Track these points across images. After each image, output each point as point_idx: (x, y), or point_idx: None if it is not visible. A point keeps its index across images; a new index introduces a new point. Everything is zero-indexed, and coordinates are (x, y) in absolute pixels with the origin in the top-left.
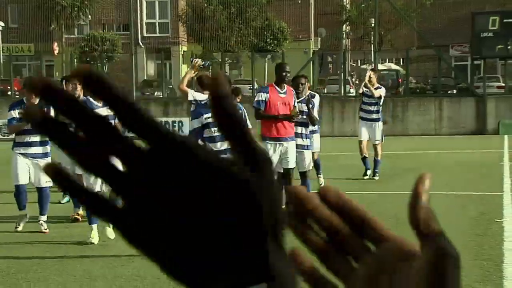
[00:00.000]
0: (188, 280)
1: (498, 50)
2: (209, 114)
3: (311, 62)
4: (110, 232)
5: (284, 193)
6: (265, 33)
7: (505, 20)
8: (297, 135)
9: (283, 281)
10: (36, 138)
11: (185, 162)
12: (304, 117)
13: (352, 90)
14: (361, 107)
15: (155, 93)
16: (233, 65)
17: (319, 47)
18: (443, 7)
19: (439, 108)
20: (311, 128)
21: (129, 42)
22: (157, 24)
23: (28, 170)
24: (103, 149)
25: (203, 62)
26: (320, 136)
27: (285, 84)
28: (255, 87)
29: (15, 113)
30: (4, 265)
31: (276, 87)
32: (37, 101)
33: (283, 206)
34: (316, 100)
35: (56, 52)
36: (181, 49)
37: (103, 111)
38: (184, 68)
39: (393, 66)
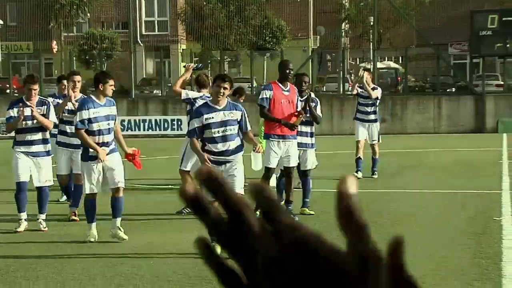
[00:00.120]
0: None
1: (497, 49)
2: (210, 115)
3: (310, 60)
4: (123, 234)
5: (285, 193)
6: (264, 31)
7: (504, 19)
8: (301, 133)
9: None
10: (38, 136)
11: (311, 266)
12: (308, 115)
13: (350, 88)
14: (358, 108)
15: (154, 91)
16: (232, 63)
17: (318, 45)
18: (442, 5)
19: (438, 107)
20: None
21: (128, 40)
22: (156, 22)
23: (29, 168)
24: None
25: (196, 65)
26: (319, 135)
27: (288, 82)
28: (254, 86)
29: (14, 112)
30: (3, 264)
31: (280, 84)
32: (36, 99)
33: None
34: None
35: (55, 50)
36: (180, 47)
37: (105, 110)
38: (183, 66)
39: (392, 64)
